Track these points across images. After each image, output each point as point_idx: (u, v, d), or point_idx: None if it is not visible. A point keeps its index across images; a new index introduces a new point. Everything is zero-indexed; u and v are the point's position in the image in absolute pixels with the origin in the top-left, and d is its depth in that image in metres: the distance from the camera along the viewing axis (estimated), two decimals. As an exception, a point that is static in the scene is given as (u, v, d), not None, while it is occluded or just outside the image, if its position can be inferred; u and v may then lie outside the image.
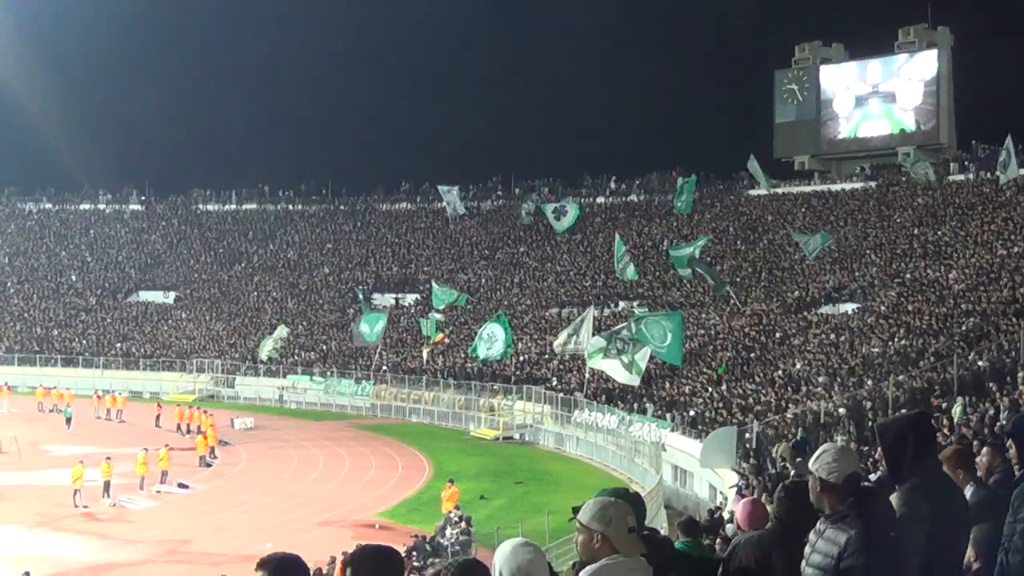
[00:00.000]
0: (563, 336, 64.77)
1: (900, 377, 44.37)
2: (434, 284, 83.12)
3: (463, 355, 74.50)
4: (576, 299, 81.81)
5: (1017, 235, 64.06)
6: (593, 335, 60.59)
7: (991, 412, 33.40)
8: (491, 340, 65.32)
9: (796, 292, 69.32)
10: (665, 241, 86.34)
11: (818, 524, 6.62)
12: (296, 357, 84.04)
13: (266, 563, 6.08)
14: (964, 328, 50.10)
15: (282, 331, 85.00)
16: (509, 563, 5.73)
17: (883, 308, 59.89)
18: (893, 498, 6.77)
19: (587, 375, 63.61)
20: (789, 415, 45.46)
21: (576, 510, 6.26)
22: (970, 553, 7.09)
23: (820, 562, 6.42)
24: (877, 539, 6.31)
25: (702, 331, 66.15)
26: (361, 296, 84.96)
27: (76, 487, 46.71)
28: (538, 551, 5.88)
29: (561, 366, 68.55)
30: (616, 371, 57.47)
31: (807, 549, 6.59)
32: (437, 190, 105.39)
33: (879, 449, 7.41)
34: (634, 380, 57.27)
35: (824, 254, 71.22)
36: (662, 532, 33.59)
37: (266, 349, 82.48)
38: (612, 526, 5.92)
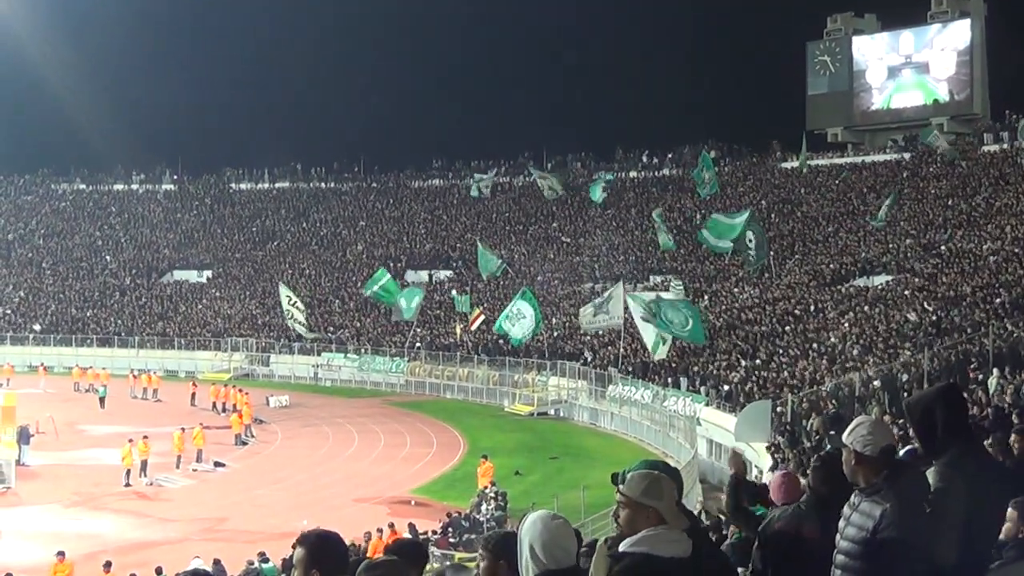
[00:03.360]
0: (588, 311, 64.78)
1: (935, 349, 44.20)
2: (479, 245, 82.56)
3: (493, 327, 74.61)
4: (609, 274, 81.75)
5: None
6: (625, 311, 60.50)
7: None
8: (518, 317, 65.19)
9: (830, 264, 69.10)
10: (698, 215, 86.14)
11: (853, 497, 6.59)
12: (330, 334, 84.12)
13: (304, 539, 6.13)
14: (1000, 299, 49.88)
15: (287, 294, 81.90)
16: (541, 535, 5.73)
17: (918, 280, 59.68)
18: (929, 473, 6.73)
19: (621, 350, 63.57)
20: (824, 388, 45.34)
21: (616, 478, 6.19)
22: (1016, 525, 7.04)
23: (855, 535, 6.40)
24: (912, 512, 6.28)
25: (737, 305, 66.03)
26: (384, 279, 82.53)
27: (127, 466, 47.04)
28: (566, 522, 5.88)
29: (595, 341, 68.47)
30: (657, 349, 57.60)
31: (842, 523, 6.56)
32: (469, 168, 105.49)
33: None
34: (660, 355, 57.45)
35: (892, 217, 70.47)
36: (698, 506, 33.59)
37: (299, 324, 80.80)
38: (664, 499, 5.90)
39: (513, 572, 6.02)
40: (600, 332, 67.11)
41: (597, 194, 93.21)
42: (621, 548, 5.78)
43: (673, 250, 78.73)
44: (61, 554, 31.77)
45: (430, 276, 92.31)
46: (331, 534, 6.21)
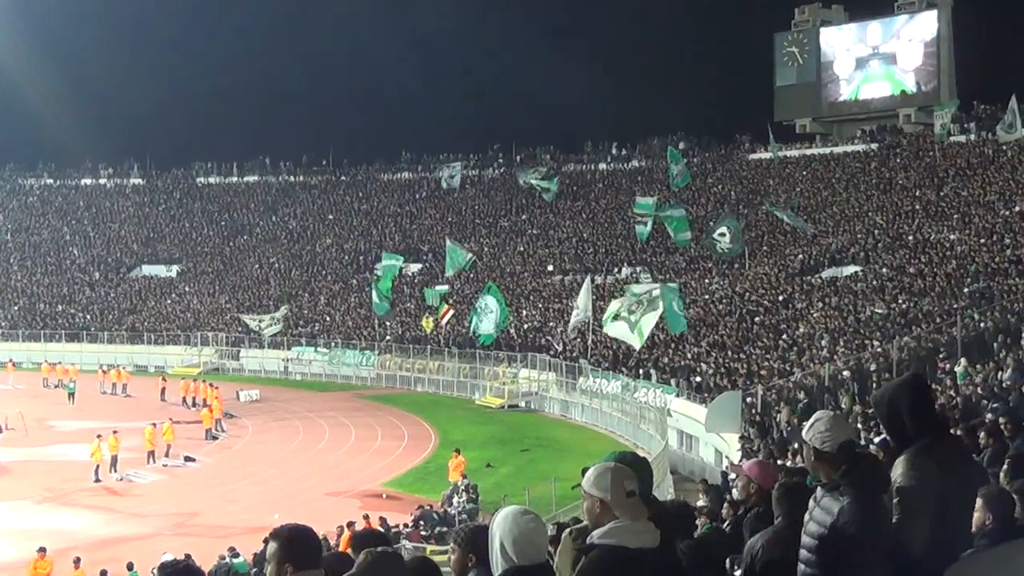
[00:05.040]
0: (573, 318, 64.94)
1: (904, 339, 44.39)
2: (448, 241, 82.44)
3: (467, 324, 74.53)
4: (579, 266, 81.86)
5: (1018, 195, 64.13)
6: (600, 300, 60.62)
7: (994, 372, 33.47)
8: (486, 312, 65.20)
9: (799, 255, 69.29)
10: (666, 208, 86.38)
11: (816, 493, 6.63)
12: (300, 328, 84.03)
13: (277, 534, 6.13)
14: (968, 289, 50.15)
15: (283, 311, 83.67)
16: (511, 531, 5.75)
17: (886, 270, 59.93)
18: (899, 462, 6.76)
19: (590, 341, 63.66)
20: (793, 379, 45.51)
21: (585, 472, 6.30)
22: (983, 514, 7.09)
23: (815, 531, 6.43)
24: (871, 506, 6.31)
25: (706, 296, 66.20)
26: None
27: (96, 461, 46.89)
28: (538, 519, 5.91)
29: (565, 333, 68.53)
30: (624, 333, 57.38)
31: (806, 518, 6.60)
32: (438, 161, 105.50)
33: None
34: (635, 342, 57.39)
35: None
36: (669, 497, 33.64)
37: (267, 327, 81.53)
38: (610, 491, 5.96)
39: (482, 565, 6.06)
40: (578, 329, 66.86)
41: (550, 194, 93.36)
42: (590, 540, 5.84)
43: (645, 240, 78.95)
44: (42, 550, 31.61)
45: (400, 270, 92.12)
46: (303, 528, 6.21)
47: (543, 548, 5.85)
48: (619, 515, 5.89)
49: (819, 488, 6.62)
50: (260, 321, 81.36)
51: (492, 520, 5.90)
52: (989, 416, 21.02)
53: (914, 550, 6.39)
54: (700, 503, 25.44)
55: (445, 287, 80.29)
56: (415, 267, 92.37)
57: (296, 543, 6.05)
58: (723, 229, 69.56)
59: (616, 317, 56.59)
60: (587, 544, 5.90)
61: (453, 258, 79.49)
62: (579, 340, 66.30)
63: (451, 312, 74.87)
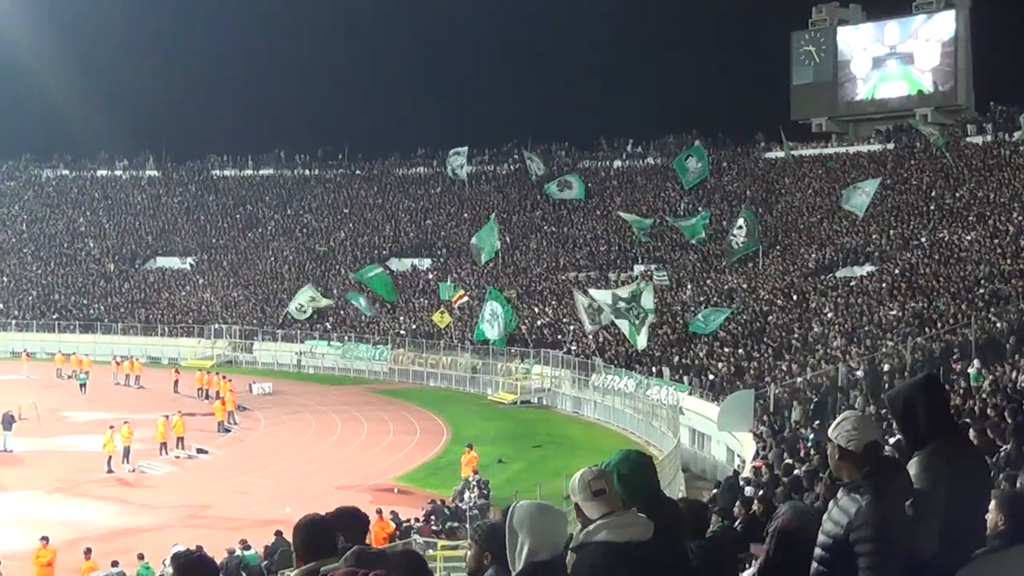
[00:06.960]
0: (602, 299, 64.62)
1: (918, 339, 44.32)
2: (491, 219, 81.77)
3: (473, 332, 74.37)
4: (592, 264, 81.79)
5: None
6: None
7: (1008, 373, 33.40)
8: (493, 318, 65.20)
9: (813, 255, 69.19)
10: (681, 204, 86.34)
11: (838, 492, 6.58)
12: (317, 324, 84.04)
13: (296, 525, 6.16)
14: (982, 290, 50.04)
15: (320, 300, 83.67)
16: (530, 526, 5.77)
17: (899, 271, 59.82)
18: (912, 464, 6.72)
19: (603, 339, 63.62)
20: (805, 378, 45.44)
21: None
22: (996, 515, 7.07)
23: (831, 530, 6.37)
24: (890, 511, 6.25)
25: (718, 295, 66.10)
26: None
27: (108, 452, 46.95)
28: (557, 513, 5.95)
29: (579, 330, 68.54)
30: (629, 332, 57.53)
31: (824, 516, 6.55)
32: (450, 154, 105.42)
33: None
34: (638, 344, 57.56)
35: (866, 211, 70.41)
36: (680, 495, 33.60)
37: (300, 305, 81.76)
38: (577, 494, 6.07)
39: (498, 563, 6.08)
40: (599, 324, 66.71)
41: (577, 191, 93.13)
42: (580, 538, 5.90)
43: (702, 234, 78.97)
44: (45, 539, 31.65)
45: (413, 265, 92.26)
46: (316, 518, 6.23)
47: (561, 543, 5.89)
48: (589, 515, 5.95)
49: (840, 488, 6.58)
50: (305, 297, 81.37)
51: (511, 514, 5.91)
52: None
53: (925, 551, 6.36)
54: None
55: (452, 284, 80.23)
56: (427, 262, 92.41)
57: (310, 534, 6.08)
58: (740, 222, 69.61)
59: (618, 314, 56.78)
60: (578, 543, 5.95)
61: (484, 237, 79.04)
62: (582, 329, 66.34)
63: (465, 298, 74.84)
